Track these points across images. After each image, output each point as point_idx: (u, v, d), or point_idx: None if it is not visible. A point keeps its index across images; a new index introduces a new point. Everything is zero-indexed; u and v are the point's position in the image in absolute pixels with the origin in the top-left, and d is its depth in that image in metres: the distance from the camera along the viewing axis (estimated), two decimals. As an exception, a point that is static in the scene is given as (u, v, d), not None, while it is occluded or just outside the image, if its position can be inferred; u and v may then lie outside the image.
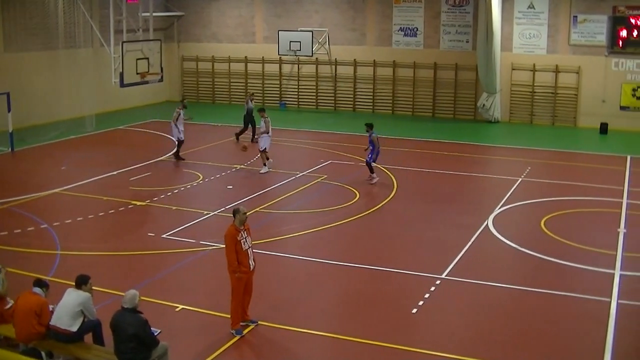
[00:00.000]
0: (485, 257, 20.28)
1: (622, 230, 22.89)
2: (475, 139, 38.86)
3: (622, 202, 26.15)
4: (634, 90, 42.99)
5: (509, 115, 44.80)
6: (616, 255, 20.47)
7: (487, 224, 22.93)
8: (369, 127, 27.88)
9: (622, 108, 43.18)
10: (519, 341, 15.07)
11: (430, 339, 14.99)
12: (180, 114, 31.44)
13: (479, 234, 21.96)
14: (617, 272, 19.08)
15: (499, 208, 24.84)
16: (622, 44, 42.79)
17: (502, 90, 44.41)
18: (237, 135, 36.63)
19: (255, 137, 32.03)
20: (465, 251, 20.36)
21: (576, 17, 43.29)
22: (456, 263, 19.38)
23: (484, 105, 44.05)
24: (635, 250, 20.90)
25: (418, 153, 34.29)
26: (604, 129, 41.90)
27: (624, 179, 29.63)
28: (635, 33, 42.38)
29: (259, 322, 15.29)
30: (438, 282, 17.99)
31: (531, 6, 44.03)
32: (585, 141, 39.48)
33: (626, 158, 33.92)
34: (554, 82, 44.02)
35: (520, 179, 28.92)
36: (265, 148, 29.47)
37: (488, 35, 42.42)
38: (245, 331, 14.91)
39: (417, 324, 15.80)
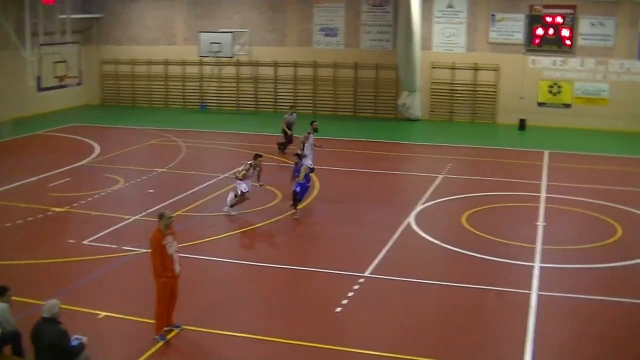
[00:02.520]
0: (408, 254, 20.42)
1: (541, 223, 23.31)
2: (396, 137, 39.16)
3: (540, 196, 26.62)
4: (550, 87, 43.85)
5: (430, 113, 45.25)
6: (535, 248, 20.83)
7: (409, 221, 23.10)
8: (298, 157, 25.52)
9: (540, 104, 44.01)
10: (443, 336, 15.21)
11: (354, 337, 15.04)
12: None
13: (401, 231, 22.11)
14: (537, 265, 19.41)
15: (421, 205, 25.05)
16: (538, 42, 43.60)
17: (423, 89, 44.82)
18: (281, 145, 34.95)
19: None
20: (388, 249, 20.47)
21: (494, 15, 43.96)
22: (379, 261, 19.47)
23: (404, 103, 44.40)
24: (554, 243, 21.33)
25: (340, 152, 34.38)
26: (522, 125, 42.62)
27: (542, 174, 30.16)
28: (551, 31, 43.25)
29: (184, 327, 15.16)
30: (361, 280, 18.05)
31: (450, 5, 44.56)
32: (504, 137, 40.11)
33: (544, 153, 34.53)
34: (474, 80, 44.65)
35: (441, 176, 29.24)
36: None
37: (408, 35, 42.75)
38: (170, 336, 14.77)
39: (342, 323, 15.83)
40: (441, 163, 31.61)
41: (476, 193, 26.72)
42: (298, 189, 23.79)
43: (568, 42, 43.49)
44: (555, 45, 43.73)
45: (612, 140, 39.81)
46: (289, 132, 34.65)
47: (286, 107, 46.20)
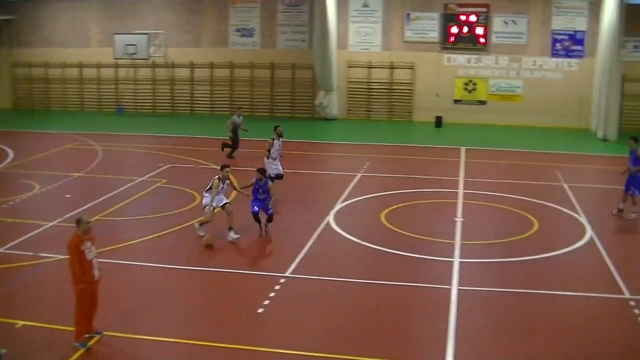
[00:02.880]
0: (328, 253, 20.40)
1: (459, 219, 23.59)
2: (314, 137, 39.27)
3: (458, 192, 26.95)
4: (465, 84, 44.52)
5: (347, 112, 45.55)
6: (454, 244, 21.06)
7: (329, 220, 23.12)
8: (261, 172, 22.35)
9: (455, 102, 44.65)
10: (365, 334, 15.24)
11: (277, 337, 14.99)
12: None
13: (321, 230, 22.11)
14: (456, 260, 19.62)
15: (340, 204, 25.12)
16: (453, 40, 44.20)
17: (339, 88, 45.04)
18: (228, 151, 33.48)
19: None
20: (308, 249, 20.44)
21: (409, 14, 44.45)
22: (299, 261, 19.43)
23: (321, 103, 44.57)
24: (472, 238, 21.59)
25: (257, 153, 34.25)
26: (438, 122, 43.14)
27: (459, 170, 30.55)
28: (465, 29, 43.90)
29: (105, 333, 14.92)
30: (282, 280, 18.00)
31: (365, 5, 44.89)
32: (421, 135, 40.53)
33: (460, 150, 34.99)
34: (390, 79, 45.06)
35: (360, 174, 29.39)
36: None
37: (324, 34, 42.95)
38: (91, 343, 14.51)
39: (264, 324, 15.76)
40: (359, 161, 31.76)
41: (394, 191, 26.92)
42: (257, 209, 21.75)
43: (482, 40, 44.23)
44: (469, 43, 44.43)
45: (526, 135, 40.59)
46: (230, 134, 33.36)
47: (204, 109, 46.14)
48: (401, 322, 15.84)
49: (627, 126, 43.60)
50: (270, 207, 21.93)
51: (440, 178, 29.10)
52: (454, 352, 14.30)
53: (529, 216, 24.10)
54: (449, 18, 44.46)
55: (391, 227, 22.54)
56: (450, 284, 17.87)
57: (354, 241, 21.17)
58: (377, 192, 26.75)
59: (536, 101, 44.27)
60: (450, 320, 15.74)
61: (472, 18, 44.19)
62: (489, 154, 34.79)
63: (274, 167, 26.16)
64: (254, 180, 22.02)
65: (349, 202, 25.47)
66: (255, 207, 21.76)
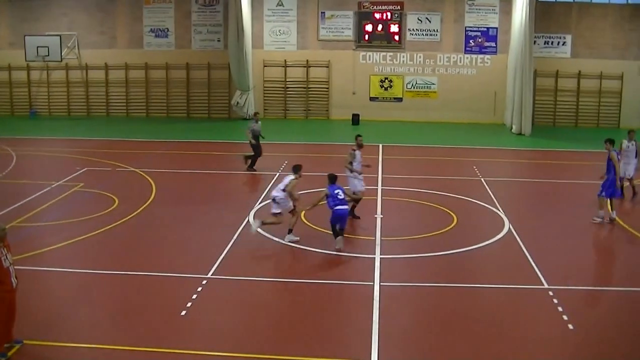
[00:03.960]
0: (250, 252, 20.24)
1: (379, 215, 23.71)
2: (231, 137, 39.08)
3: (377, 189, 27.11)
4: (381, 81, 44.88)
5: (264, 111, 45.43)
6: (375, 240, 21.13)
7: (248, 220, 23.07)
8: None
9: (372, 99, 44.95)
10: (290, 333, 15.15)
11: (201, 339, 14.84)
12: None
13: (242, 230, 21.99)
14: (377, 257, 19.69)
15: (259, 203, 25.02)
16: (368, 38, 44.50)
17: (255, 87, 44.94)
18: (247, 159, 31.33)
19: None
20: (229, 249, 20.26)
21: (324, 13, 44.55)
22: (221, 261, 19.25)
23: (237, 103, 44.42)
24: (392, 235, 21.70)
25: (175, 154, 34.02)
26: (355, 119, 43.34)
27: (378, 167, 30.72)
28: (380, 27, 44.21)
29: (25, 342, 14.58)
30: (204, 282, 17.82)
31: (280, 4, 44.90)
32: (338, 132, 40.67)
33: (378, 147, 35.21)
34: (306, 77, 45.08)
35: (278, 174, 29.27)
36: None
37: (239, 34, 42.81)
38: (11, 353, 14.15)
39: (187, 326, 15.56)
40: (277, 161, 31.67)
41: (313, 189, 26.88)
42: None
43: (397, 37, 44.60)
44: (384, 41, 44.81)
45: (443, 131, 41.06)
46: (253, 141, 31.12)
47: (120, 111, 45.56)
48: (325, 320, 15.81)
49: (540, 120, 44.66)
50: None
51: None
52: (378, 348, 14.32)
53: (448, 211, 24.35)
54: (363, 16, 44.74)
55: (312, 225, 22.51)
56: (372, 281, 17.92)
57: (275, 240, 21.06)
58: (297, 191, 26.68)
59: (451, 97, 44.89)
60: (373, 316, 15.77)
61: (387, 16, 44.53)
62: (406, 150, 35.10)
63: (357, 182, 23.48)
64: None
65: (269, 201, 25.34)
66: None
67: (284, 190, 21.17)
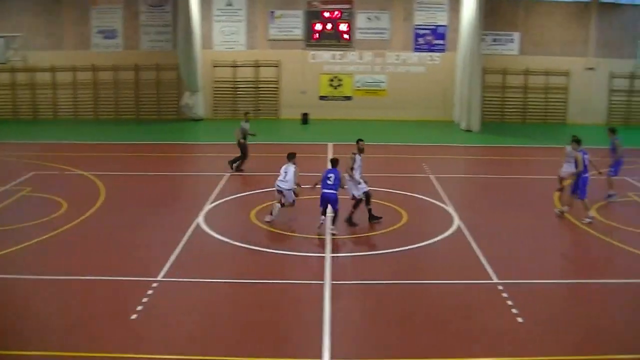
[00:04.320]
0: (200, 254, 20.13)
1: (329, 215, 23.68)
2: (181, 138, 38.90)
3: (327, 188, 27.09)
4: (331, 80, 44.92)
5: (213, 112, 45.31)
6: (326, 238, 21.11)
7: (199, 221, 22.83)
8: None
9: (321, 98, 44.98)
10: (242, 334, 15.06)
11: (153, 343, 14.69)
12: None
13: (192, 232, 21.79)
14: (328, 255, 19.70)
15: (209, 204, 24.85)
16: (317, 37, 44.53)
17: (205, 88, 44.77)
18: (233, 163, 30.81)
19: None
20: (180, 251, 20.08)
21: (273, 12, 44.48)
22: (171, 264, 19.07)
23: (187, 103, 44.22)
24: (344, 232, 21.76)
25: (124, 157, 33.71)
26: (305, 119, 43.35)
27: (327, 166, 30.64)
28: (329, 26, 44.25)
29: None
30: (155, 284, 17.65)
31: (229, 4, 44.75)
32: (288, 132, 40.63)
33: (328, 145, 35.23)
34: (255, 77, 45.04)
35: (228, 174, 29.19)
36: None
37: (187, 34, 42.64)
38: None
39: (139, 330, 15.41)
40: (227, 161, 31.53)
41: (264, 189, 26.83)
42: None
43: (346, 36, 44.69)
44: (334, 39, 44.88)
45: (392, 129, 41.21)
46: (242, 140, 30.64)
47: (69, 114, 45.07)
48: (277, 320, 15.75)
49: (488, 117, 45.03)
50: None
51: (308, 174, 29.14)
52: (330, 346, 14.33)
53: (398, 208, 24.43)
54: (313, 15, 44.76)
55: (262, 225, 22.47)
56: (323, 279, 17.92)
57: (226, 241, 20.97)
58: (247, 191, 26.65)
59: (401, 95, 45.08)
60: (325, 315, 15.77)
61: (336, 15, 44.61)
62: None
63: (353, 186, 22.99)
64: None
65: (219, 202, 25.26)
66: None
67: (284, 180, 22.98)
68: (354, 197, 22.99)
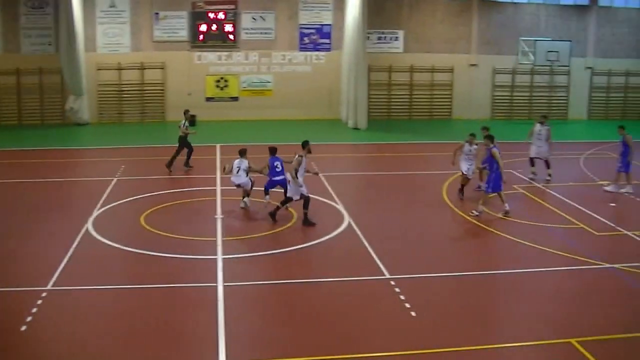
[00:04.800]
0: (90, 261, 19.73)
1: (219, 216, 23.65)
2: (66, 144, 38.13)
3: (217, 190, 27.03)
4: (217, 81, 44.83)
5: (99, 115, 44.56)
6: (217, 241, 21.07)
7: (87, 227, 22.40)
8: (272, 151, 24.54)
9: (208, 99, 44.82)
10: (136, 340, 14.81)
11: (44, 354, 14.38)
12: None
13: (80, 239, 21.31)
14: (220, 257, 19.64)
15: (98, 210, 24.41)
16: (203, 38, 44.32)
17: (89, 92, 43.98)
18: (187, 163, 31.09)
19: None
20: (69, 259, 19.63)
21: (158, 14, 44.02)
22: (60, 272, 18.64)
23: (71, 108, 43.36)
24: (233, 234, 21.74)
25: (6, 164, 32.79)
26: (192, 121, 43.01)
27: (216, 167, 30.64)
28: (214, 27, 44.10)
29: None
30: (44, 294, 17.24)
31: (112, 5, 44.06)
32: (175, 134, 40.06)
33: (216, 147, 35.13)
34: (141, 80, 44.52)
35: (116, 179, 28.77)
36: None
37: (70, 37, 41.85)
38: None
39: (30, 341, 15.04)
40: (114, 166, 31.08)
41: (153, 192, 26.58)
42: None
43: (231, 37, 44.61)
44: (219, 40, 44.77)
45: (280, 128, 41.31)
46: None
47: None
48: (170, 325, 15.61)
49: (374, 114, 45.61)
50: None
51: (198, 176, 29.09)
52: (226, 349, 14.31)
53: (288, 207, 24.53)
54: (198, 16, 44.51)
55: (152, 229, 22.22)
56: (216, 282, 17.87)
57: (116, 247, 20.64)
58: (136, 195, 26.28)
59: (287, 95, 45.26)
60: (219, 318, 15.73)
61: (221, 15, 44.48)
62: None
63: (301, 189, 23.00)
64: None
65: (107, 207, 24.86)
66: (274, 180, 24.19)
67: (238, 175, 24.34)
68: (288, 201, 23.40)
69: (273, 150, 24.29)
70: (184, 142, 30.79)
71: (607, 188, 27.75)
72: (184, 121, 31.19)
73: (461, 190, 26.19)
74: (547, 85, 49.66)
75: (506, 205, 24.35)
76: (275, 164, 23.90)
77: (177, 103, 44.24)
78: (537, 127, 29.61)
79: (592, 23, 49.42)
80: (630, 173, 27.71)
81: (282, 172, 23.82)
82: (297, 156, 23.07)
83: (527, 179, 29.19)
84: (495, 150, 24.13)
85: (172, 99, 44.79)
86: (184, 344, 14.77)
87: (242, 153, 24.72)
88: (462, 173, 26.18)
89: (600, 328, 15.68)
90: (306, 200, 22.88)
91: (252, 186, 24.68)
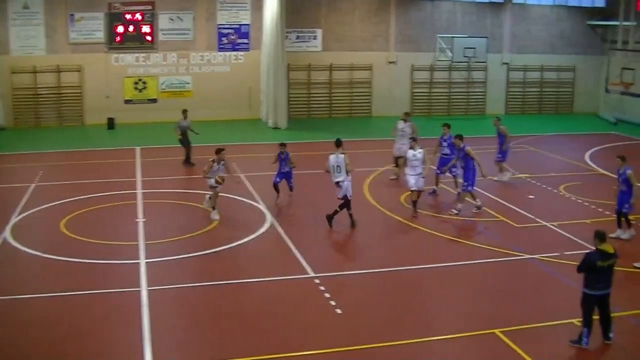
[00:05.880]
0: (9, 270, 19.25)
1: (141, 220, 23.42)
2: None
3: (137, 193, 26.76)
4: (135, 83, 44.32)
5: (14, 120, 43.54)
6: (139, 245, 20.88)
7: (5, 236, 21.86)
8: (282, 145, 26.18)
9: (126, 102, 44.31)
10: (58, 350, 14.58)
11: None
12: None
13: (-2, 247, 21.03)
14: (143, 261, 19.46)
15: (16, 218, 23.86)
16: (120, 40, 43.77)
17: (4, 96, 43.04)
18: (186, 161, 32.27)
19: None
20: (-16, 269, 19.36)
21: (73, 15, 43.29)
22: (-23, 281, 18.39)
23: (-15, 113, 42.44)
24: (155, 238, 21.55)
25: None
26: (111, 124, 42.57)
27: (136, 170, 30.36)
28: (131, 28, 43.60)
29: None
30: (-40, 305, 16.93)
31: (26, 6, 43.13)
32: (94, 138, 39.75)
33: (136, 150, 34.78)
34: (57, 83, 43.74)
35: (34, 185, 28.18)
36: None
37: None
38: None
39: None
40: (31, 172, 30.41)
41: (73, 198, 26.16)
42: (278, 180, 25.74)
43: (149, 38, 44.16)
44: (137, 41, 44.28)
45: (200, 129, 40.91)
46: (180, 137, 32.29)
47: None
48: (96, 331, 15.38)
49: (295, 113, 45.69)
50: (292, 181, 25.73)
51: (118, 180, 28.74)
52: (152, 354, 14.20)
53: (210, 208, 24.42)
54: (114, 17, 43.92)
55: (73, 235, 21.87)
56: (139, 286, 17.70)
57: (36, 254, 20.24)
58: (55, 201, 25.79)
59: (207, 96, 44.99)
60: (144, 322, 15.60)
61: (138, 16, 43.98)
62: (163, 151, 34.89)
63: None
64: (277, 154, 25.07)
65: (25, 214, 24.35)
66: (277, 179, 25.51)
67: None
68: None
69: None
70: (184, 140, 32.03)
71: (496, 178, 28.35)
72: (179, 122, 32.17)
73: (414, 204, 24.49)
74: (465, 81, 50.35)
75: (477, 200, 24.98)
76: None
77: (95, 106, 43.67)
78: (400, 124, 29.41)
79: (507, 20, 50.27)
80: (505, 162, 29.22)
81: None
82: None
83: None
84: (469, 148, 24.45)
85: (90, 102, 44.10)
86: (109, 352, 14.60)
87: (218, 152, 23.81)
88: (411, 190, 24.54)
89: (522, 317, 16.04)
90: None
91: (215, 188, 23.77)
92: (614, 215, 22.23)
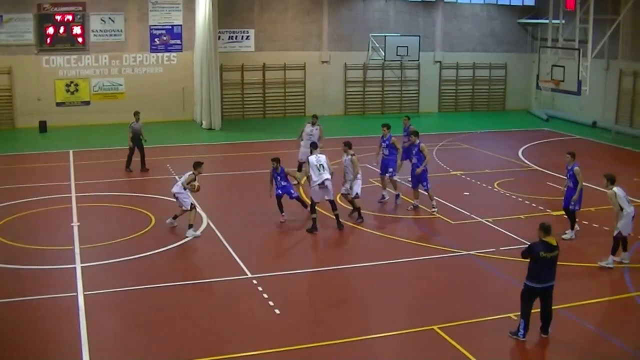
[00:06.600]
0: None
1: (75, 224, 23.15)
2: None
3: (71, 197, 26.44)
4: (67, 85, 43.76)
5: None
6: (74, 249, 20.63)
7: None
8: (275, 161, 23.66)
9: (58, 104, 43.72)
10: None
11: None
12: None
13: None
14: (78, 266, 19.25)
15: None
16: (50, 41, 43.17)
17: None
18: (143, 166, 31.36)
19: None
20: None
21: (2, 16, 42.55)
22: None
23: None
24: (90, 242, 21.29)
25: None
26: (43, 127, 41.94)
27: (70, 174, 30.00)
28: (62, 29, 43.03)
29: None
30: None
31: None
32: (26, 142, 39.14)
33: (69, 153, 34.37)
34: (-13, 86, 43.02)
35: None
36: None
37: None
38: None
39: None
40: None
41: (4, 203, 25.73)
42: (280, 192, 23.43)
43: (80, 39, 43.64)
44: (68, 43, 43.67)
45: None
46: (131, 144, 31.13)
47: None
48: (31, 339, 15.15)
49: (229, 114, 45.59)
50: (294, 190, 23.65)
51: (51, 184, 28.36)
52: (90, 358, 14.06)
53: (145, 211, 24.29)
54: (44, 18, 43.27)
55: (5, 241, 21.50)
56: (75, 291, 17.50)
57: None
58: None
59: (140, 97, 44.49)
60: (81, 328, 15.44)
61: (69, 17, 43.41)
62: (97, 154, 34.58)
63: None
64: (270, 170, 23.40)
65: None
66: (278, 191, 23.24)
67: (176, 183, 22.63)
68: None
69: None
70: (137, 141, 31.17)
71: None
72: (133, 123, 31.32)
73: (358, 211, 23.68)
74: (398, 79, 50.70)
75: (416, 201, 25.26)
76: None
77: (27, 109, 42.99)
78: (308, 127, 29.01)
79: (439, 18, 50.78)
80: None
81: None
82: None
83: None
84: (423, 145, 24.55)
85: (21, 105, 43.39)
86: (47, 358, 14.40)
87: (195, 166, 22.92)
88: (351, 197, 23.63)
89: (461, 313, 16.27)
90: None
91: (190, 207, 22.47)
92: (562, 212, 22.43)
